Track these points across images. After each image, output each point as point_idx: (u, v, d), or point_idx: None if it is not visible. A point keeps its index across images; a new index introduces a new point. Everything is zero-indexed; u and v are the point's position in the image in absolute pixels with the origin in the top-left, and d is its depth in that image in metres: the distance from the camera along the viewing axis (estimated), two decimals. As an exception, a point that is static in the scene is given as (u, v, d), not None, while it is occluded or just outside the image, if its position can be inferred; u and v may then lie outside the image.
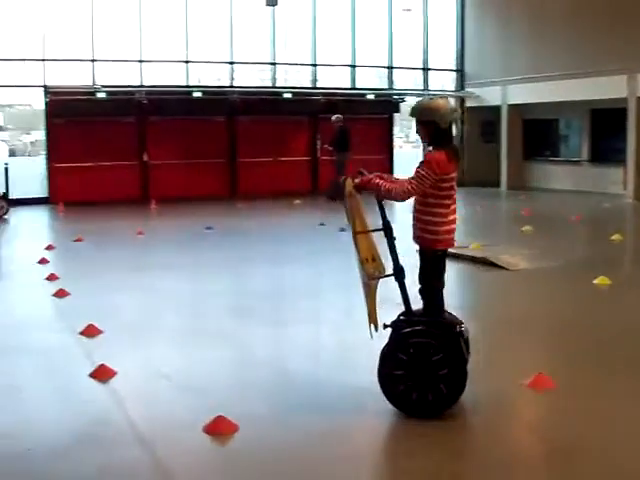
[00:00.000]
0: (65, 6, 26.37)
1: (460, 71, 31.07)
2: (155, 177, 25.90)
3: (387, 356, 6.47)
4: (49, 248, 15.30)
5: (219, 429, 6.14)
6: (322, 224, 18.40)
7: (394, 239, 6.60)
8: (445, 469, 5.64)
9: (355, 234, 6.44)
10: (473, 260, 13.35)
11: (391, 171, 29.29)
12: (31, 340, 9.03)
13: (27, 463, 5.73)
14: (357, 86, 29.63)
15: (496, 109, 29.28)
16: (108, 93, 25.57)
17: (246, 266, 13.68)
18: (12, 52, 25.72)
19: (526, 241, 16.02)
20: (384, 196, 6.49)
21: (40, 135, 40.45)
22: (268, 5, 25.82)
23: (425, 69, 30.86)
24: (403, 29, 30.14)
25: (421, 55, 30.72)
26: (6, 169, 24.46)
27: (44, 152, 27.05)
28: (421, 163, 6.46)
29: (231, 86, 27.95)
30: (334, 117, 24.16)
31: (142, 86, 26.55)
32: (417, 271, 6.72)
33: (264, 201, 24.54)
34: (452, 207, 6.57)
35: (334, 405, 6.77)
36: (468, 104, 30.64)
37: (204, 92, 26.87)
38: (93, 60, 26.30)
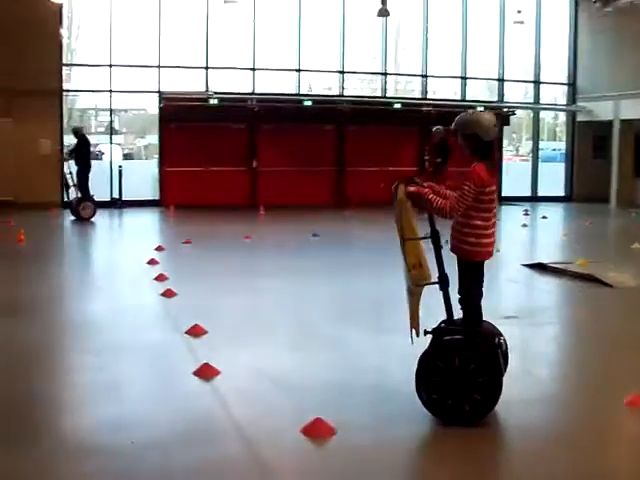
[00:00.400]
0: (180, 14, 27.00)
1: (572, 85, 30.67)
2: (264, 183, 26.27)
3: (425, 362, 6.58)
4: (159, 249, 15.72)
5: (316, 431, 6.26)
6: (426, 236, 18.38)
7: (441, 248, 6.69)
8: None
9: (404, 240, 6.58)
10: (579, 277, 13.20)
11: (500, 186, 29.12)
12: (139, 338, 9.32)
13: (130, 455, 5.95)
14: (467, 98, 29.53)
15: (608, 124, 28.80)
16: (220, 99, 26.05)
17: (352, 273, 13.79)
18: (129, 59, 26.47)
19: (636, 259, 15.74)
20: (435, 212, 6.62)
21: (153, 139, 41.38)
22: (380, 16, 25.96)
23: (536, 82, 30.57)
24: (515, 41, 29.91)
25: (532, 68, 30.44)
26: (120, 172, 25.16)
27: (157, 156, 27.73)
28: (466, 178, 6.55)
29: (341, 95, 28.19)
30: (434, 128, 24.10)
31: (254, 93, 27.01)
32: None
33: (371, 209, 24.60)
34: (492, 220, 6.71)
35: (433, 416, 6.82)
36: (579, 118, 30.23)
37: (314, 101, 27.15)
38: (207, 67, 26.88)
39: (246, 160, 26.43)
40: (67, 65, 26.79)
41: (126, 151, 51.99)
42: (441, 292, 6.73)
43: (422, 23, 28.80)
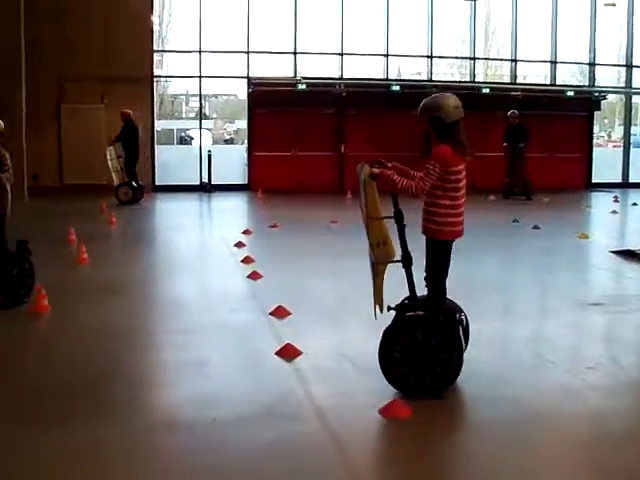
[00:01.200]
0: (268, 1, 27.21)
1: (666, 68, 30.05)
2: (352, 168, 26.23)
3: (388, 338, 6.83)
4: (246, 232, 15.97)
5: (394, 412, 6.35)
6: (516, 220, 18.31)
7: (404, 227, 6.93)
8: None
9: (367, 218, 6.84)
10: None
11: (590, 171, 28.75)
12: (225, 318, 9.53)
13: (212, 431, 6.13)
14: (557, 82, 29.16)
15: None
16: (308, 85, 26.21)
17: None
18: (218, 45, 26.82)
19: None
20: (399, 192, 6.81)
21: (242, 124, 41.81)
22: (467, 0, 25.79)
23: (628, 66, 29.99)
24: (606, 24, 29.39)
25: (624, 51, 29.88)
26: (209, 156, 25.55)
27: (246, 141, 28.05)
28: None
29: (430, 80, 28.08)
30: (510, 112, 23.95)
31: (342, 79, 27.10)
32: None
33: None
34: (460, 201, 6.86)
35: (517, 399, 6.85)
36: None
37: (402, 86, 27.11)
38: (295, 52, 27.04)
39: (334, 145, 26.57)
40: (158, 52, 27.24)
41: (216, 136, 52.52)
42: (404, 270, 6.97)
43: (512, 6, 28.50)
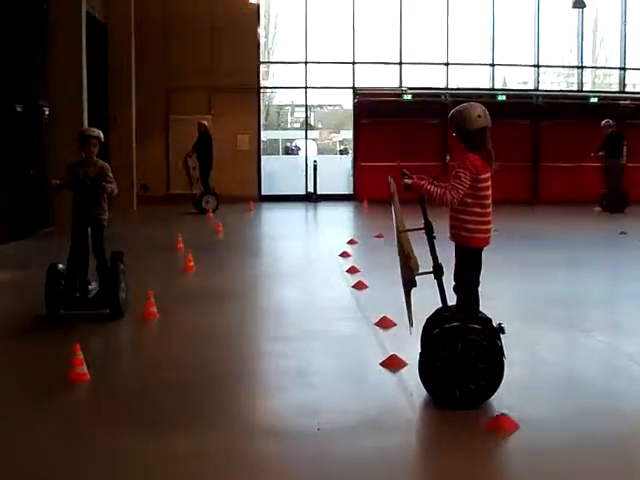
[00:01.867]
0: (373, 12, 27.26)
1: None
2: (456, 179, 26.09)
3: (427, 351, 6.85)
4: (351, 242, 16.00)
5: (500, 426, 6.24)
6: (623, 232, 17.88)
7: (434, 238, 6.89)
8: None
9: (399, 232, 6.86)
10: None
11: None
12: (330, 327, 9.57)
13: (314, 440, 6.14)
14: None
15: None
16: (414, 95, 26.15)
17: (540, 269, 13.60)
18: (324, 56, 26.99)
19: None
20: (434, 201, 6.84)
21: (348, 134, 41.89)
22: (575, 7, 25.38)
23: None
24: None
25: None
26: (315, 166, 25.71)
27: (351, 151, 28.13)
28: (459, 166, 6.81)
29: (536, 89, 27.72)
30: (604, 122, 23.31)
31: (447, 88, 26.96)
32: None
33: (563, 207, 24.13)
34: (489, 209, 6.94)
35: (620, 412, 6.70)
36: None
37: (508, 95, 26.83)
38: (400, 63, 27.02)
39: (439, 155, 26.39)
40: (264, 63, 27.53)
41: (321, 146, 52.72)
42: (436, 281, 6.95)
43: (620, 13, 27.94)
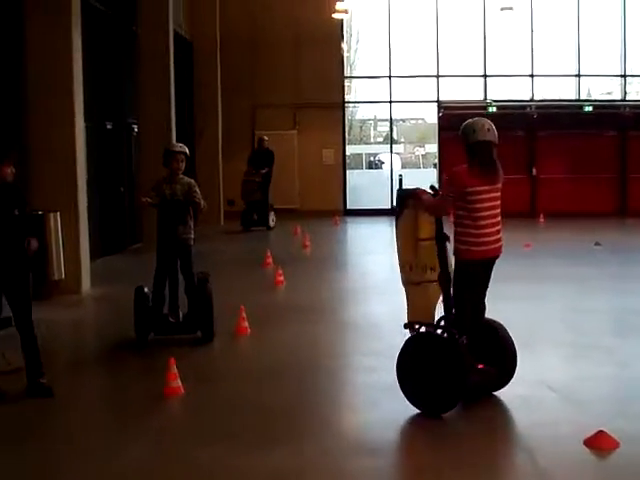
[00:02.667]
0: (457, 24, 27.17)
1: None
2: (543, 191, 25.85)
3: (401, 357, 7.19)
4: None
5: (600, 443, 6.14)
6: (598, 244, 17.51)
7: (444, 247, 7.07)
8: None
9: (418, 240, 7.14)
10: None
11: None
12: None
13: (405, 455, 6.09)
14: None
15: None
16: (499, 107, 25.95)
17: (634, 283, 13.38)
18: (408, 69, 26.98)
19: None
20: (427, 210, 7.08)
21: (431, 148, 41.79)
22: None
23: None
24: None
25: None
26: (400, 180, 25.67)
27: (435, 164, 28.03)
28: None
29: (623, 99, 27.27)
30: None
31: (532, 100, 26.71)
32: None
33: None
34: (483, 221, 6.96)
35: None
36: None
37: (595, 106, 26.47)
38: (485, 75, 26.85)
39: (525, 167, 26.12)
40: (348, 77, 27.60)
41: (405, 160, 52.70)
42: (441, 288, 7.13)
43: None
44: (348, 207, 26.33)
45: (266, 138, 22.29)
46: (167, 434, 6.81)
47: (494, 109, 25.93)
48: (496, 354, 7.36)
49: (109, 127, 18.00)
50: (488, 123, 7.17)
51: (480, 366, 7.27)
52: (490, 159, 7.09)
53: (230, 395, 7.74)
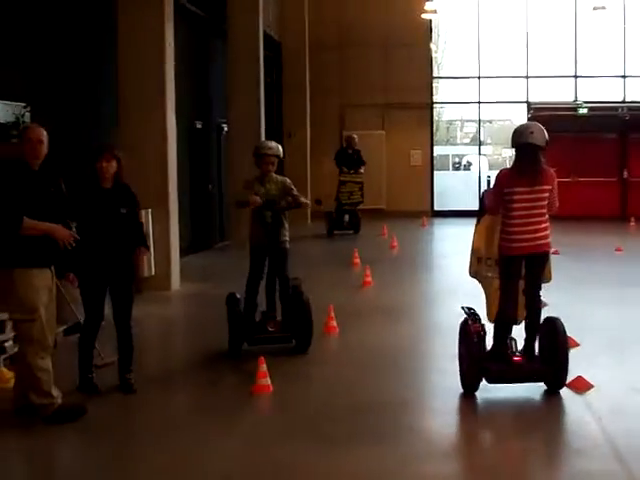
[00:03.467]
0: (548, 23, 26.82)
1: None
2: (635, 194, 25.33)
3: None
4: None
5: None
6: None
7: None
8: None
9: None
10: None
11: None
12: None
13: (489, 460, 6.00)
14: None
15: None
16: (590, 109, 25.54)
17: None
18: (497, 70, 26.74)
19: None
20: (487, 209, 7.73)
21: (519, 150, 41.24)
22: None
23: None
24: None
25: None
26: (488, 181, 25.45)
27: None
28: None
29: None
30: None
31: (624, 102, 26.21)
32: None
33: None
34: (521, 220, 7.34)
35: None
36: None
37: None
38: (575, 76, 26.44)
39: (616, 170, 25.65)
40: (437, 78, 27.45)
41: (491, 161, 52.26)
42: None
43: None
44: (435, 208, 26.19)
45: (355, 137, 21.54)
46: (254, 431, 6.83)
47: (585, 110, 25.56)
48: (547, 351, 7.58)
49: (199, 126, 18.18)
50: (535, 127, 7.47)
51: (517, 358, 7.54)
52: (529, 161, 7.35)
53: (317, 394, 7.75)
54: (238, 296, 9.06)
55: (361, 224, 21.01)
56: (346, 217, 20.93)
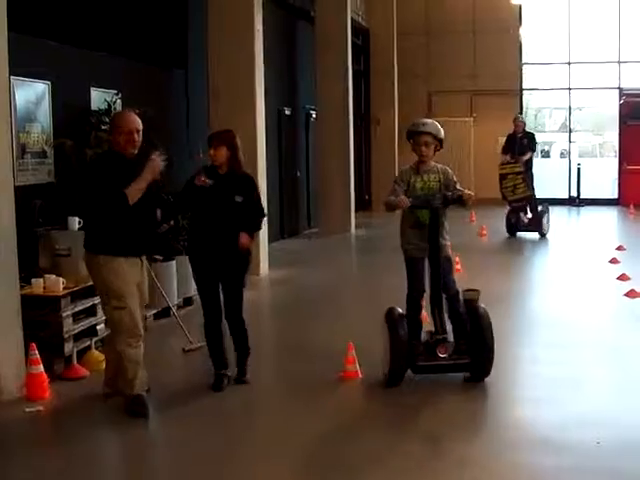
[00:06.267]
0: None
1: None
2: None
3: None
4: (619, 249, 15.36)
5: None
6: None
7: None
8: None
9: None
10: None
11: None
12: (603, 336, 9.27)
13: (595, 454, 5.90)
14: None
15: None
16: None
17: None
18: (588, 55, 26.26)
19: None
20: None
21: (609, 137, 40.50)
22: None
23: None
24: None
25: None
26: (579, 169, 25.10)
27: (615, 154, 27.18)
28: None
29: None
30: None
31: None
32: None
33: None
34: None
35: None
36: None
37: None
38: (670, 61, 25.82)
39: None
40: (527, 64, 27.06)
41: (581, 149, 51.41)
42: None
43: None
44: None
45: (520, 116, 19.10)
46: (340, 416, 6.79)
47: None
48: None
49: (287, 113, 18.22)
50: None
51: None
52: None
53: (405, 379, 7.62)
54: (400, 311, 7.48)
55: (547, 222, 18.00)
56: (522, 215, 17.92)
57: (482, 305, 7.50)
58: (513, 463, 5.82)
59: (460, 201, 7.36)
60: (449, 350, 7.29)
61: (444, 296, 7.40)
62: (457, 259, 12.86)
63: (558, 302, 11.30)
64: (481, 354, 7.34)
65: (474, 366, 7.37)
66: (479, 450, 6.03)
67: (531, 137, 18.23)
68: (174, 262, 10.31)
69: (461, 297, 7.50)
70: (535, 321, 10.41)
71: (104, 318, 7.85)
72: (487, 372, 7.41)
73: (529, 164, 17.89)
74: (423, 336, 7.47)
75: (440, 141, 7.41)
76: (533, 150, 18.06)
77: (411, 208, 7.27)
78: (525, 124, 18.68)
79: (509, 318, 10.32)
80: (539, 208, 17.84)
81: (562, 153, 47.01)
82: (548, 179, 28.23)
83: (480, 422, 6.65)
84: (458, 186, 7.45)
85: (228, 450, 6.13)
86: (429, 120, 7.54)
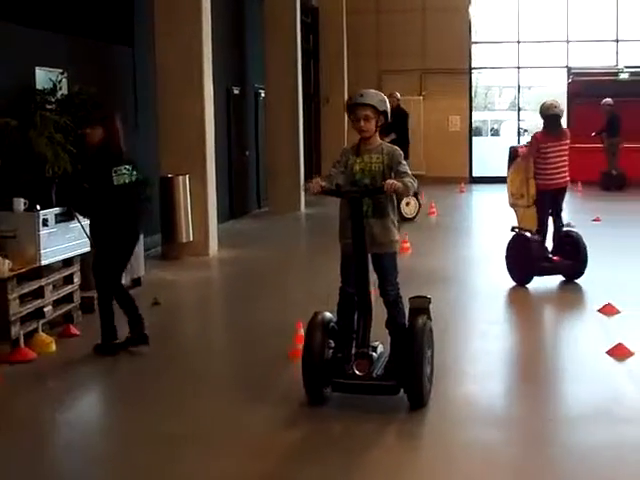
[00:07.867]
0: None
1: None
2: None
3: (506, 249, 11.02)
4: (568, 226, 15.47)
5: None
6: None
7: None
8: None
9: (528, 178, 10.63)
10: None
11: None
12: (548, 313, 9.40)
13: (545, 430, 6.00)
14: None
15: None
16: (631, 74, 25.16)
17: None
18: (538, 34, 26.42)
19: None
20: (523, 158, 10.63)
21: (558, 116, 40.74)
22: None
23: None
24: None
25: None
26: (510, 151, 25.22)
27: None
28: None
29: None
30: (603, 101, 21.84)
31: (667, 66, 25.83)
32: None
33: None
34: (550, 166, 10.51)
35: None
36: None
37: None
38: (617, 40, 26.04)
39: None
40: (476, 43, 27.17)
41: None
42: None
43: None
44: (474, 175, 26.03)
45: (398, 95, 17.59)
46: (288, 396, 6.74)
47: (626, 76, 25.17)
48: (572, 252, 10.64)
49: (236, 92, 18.11)
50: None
51: (555, 258, 10.60)
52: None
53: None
54: (329, 317, 6.35)
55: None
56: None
57: (426, 319, 6.37)
58: (465, 440, 5.86)
59: (381, 192, 5.98)
60: (366, 368, 6.08)
61: (384, 301, 6.37)
62: (405, 238, 13.00)
63: (503, 279, 11.35)
64: (414, 384, 6.12)
65: (402, 390, 6.16)
66: (429, 429, 6.05)
67: (401, 116, 16.72)
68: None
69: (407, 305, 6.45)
70: (479, 298, 10.53)
71: (51, 299, 7.81)
72: (417, 403, 6.17)
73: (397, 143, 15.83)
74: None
75: (385, 114, 6.15)
76: (400, 130, 16.00)
77: (324, 194, 6.14)
78: (399, 100, 17.29)
79: (455, 294, 10.45)
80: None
81: (521, 132, 47.32)
82: (495, 157, 28.44)
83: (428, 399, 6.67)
84: (405, 168, 6.10)
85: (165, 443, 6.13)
86: (371, 90, 6.23)
